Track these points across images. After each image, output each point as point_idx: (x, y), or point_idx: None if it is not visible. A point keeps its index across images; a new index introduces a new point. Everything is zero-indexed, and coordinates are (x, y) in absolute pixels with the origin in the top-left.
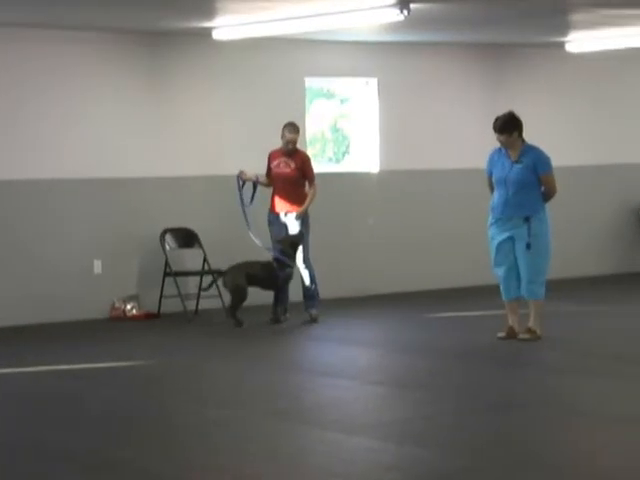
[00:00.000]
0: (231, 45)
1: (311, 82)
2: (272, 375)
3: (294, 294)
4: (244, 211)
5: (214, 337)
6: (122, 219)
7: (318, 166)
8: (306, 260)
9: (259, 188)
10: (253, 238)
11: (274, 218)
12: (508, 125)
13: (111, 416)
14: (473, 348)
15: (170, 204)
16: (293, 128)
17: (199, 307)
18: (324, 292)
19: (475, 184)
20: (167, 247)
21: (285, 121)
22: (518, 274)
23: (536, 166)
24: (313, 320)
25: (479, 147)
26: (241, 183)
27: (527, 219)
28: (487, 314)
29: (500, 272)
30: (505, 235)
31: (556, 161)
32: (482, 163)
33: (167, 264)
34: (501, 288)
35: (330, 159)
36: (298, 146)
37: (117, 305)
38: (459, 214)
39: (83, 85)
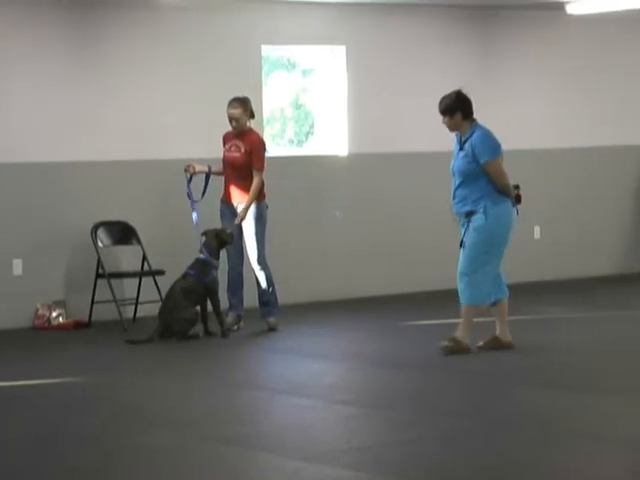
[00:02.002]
0: (175, 8)
1: (268, 51)
2: (223, 394)
3: (249, 299)
4: (193, 209)
5: (155, 349)
6: (46, 211)
7: (277, 149)
8: (261, 260)
9: (212, 177)
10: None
11: (226, 208)
12: (448, 105)
13: (35, 442)
14: (457, 362)
15: (103, 193)
16: (235, 102)
17: (137, 314)
18: (283, 297)
19: None
20: (99, 244)
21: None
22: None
23: (474, 153)
24: (271, 329)
25: None
26: (188, 177)
27: (469, 214)
28: (477, 321)
29: None
30: (462, 231)
31: (557, 142)
32: None
33: (100, 264)
34: None
35: (291, 141)
36: (254, 126)
37: (41, 312)
38: (441, 205)
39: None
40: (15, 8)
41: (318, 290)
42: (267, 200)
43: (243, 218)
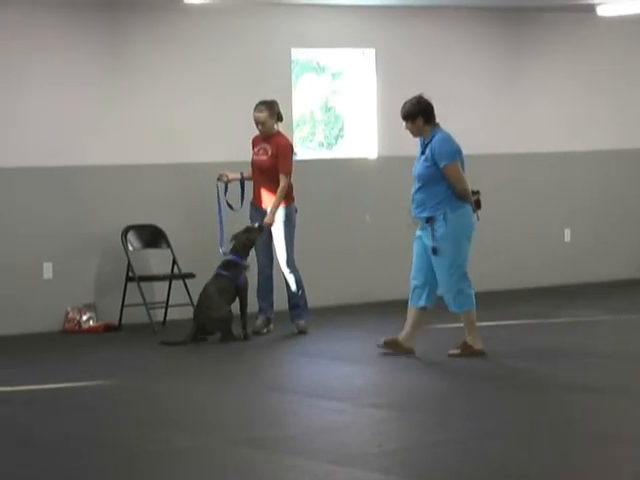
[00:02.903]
0: (204, 10)
1: (298, 54)
2: (251, 397)
3: (279, 302)
4: (221, 226)
5: (184, 352)
6: (76, 214)
7: (307, 152)
8: (291, 263)
9: (246, 183)
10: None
11: (255, 212)
12: (410, 110)
13: (63, 445)
14: (484, 365)
15: (133, 197)
16: (261, 105)
17: (167, 317)
18: (313, 300)
19: (489, 172)
20: (129, 247)
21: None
22: (426, 280)
23: (434, 157)
24: (301, 332)
25: (496, 128)
26: (223, 188)
27: (429, 220)
28: (502, 324)
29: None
30: (417, 234)
31: (584, 145)
32: (498, 147)
33: (130, 267)
34: None
35: (321, 144)
36: (283, 129)
37: (71, 315)
38: None
39: (26, 58)
40: (21, 9)
41: (347, 293)
42: (296, 203)
43: (270, 223)
